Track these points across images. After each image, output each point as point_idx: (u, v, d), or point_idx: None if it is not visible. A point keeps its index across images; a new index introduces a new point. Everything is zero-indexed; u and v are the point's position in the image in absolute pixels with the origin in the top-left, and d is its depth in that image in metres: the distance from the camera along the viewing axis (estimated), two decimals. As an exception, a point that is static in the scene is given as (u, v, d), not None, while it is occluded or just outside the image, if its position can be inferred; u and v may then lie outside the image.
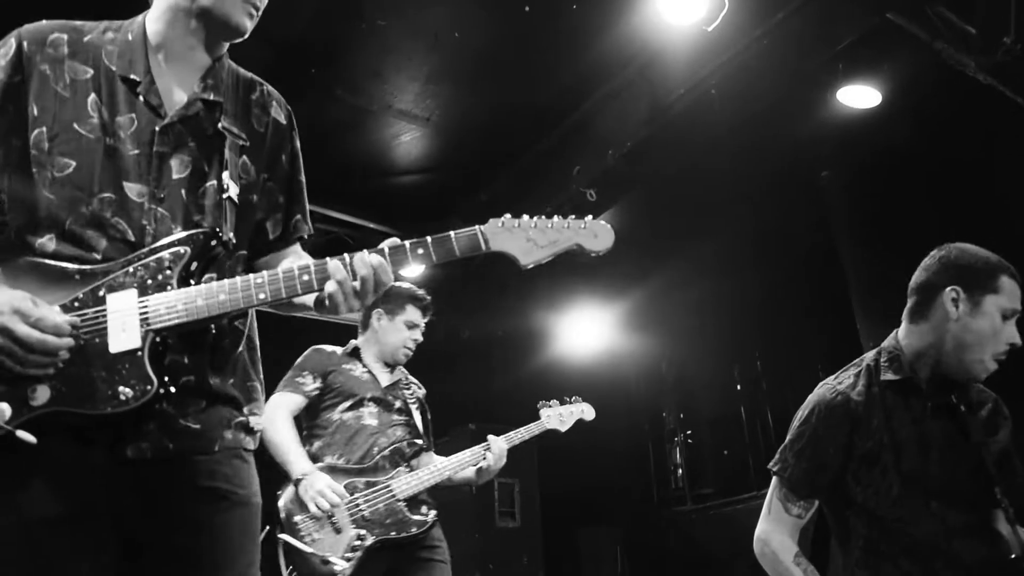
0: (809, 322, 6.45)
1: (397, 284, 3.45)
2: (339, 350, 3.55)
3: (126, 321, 1.47)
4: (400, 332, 3.53)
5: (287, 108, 1.87)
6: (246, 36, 1.73)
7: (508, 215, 1.71)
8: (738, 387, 7.07)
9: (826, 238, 6.08)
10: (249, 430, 1.67)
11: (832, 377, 2.31)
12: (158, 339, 1.50)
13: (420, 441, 3.44)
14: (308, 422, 3.40)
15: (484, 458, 3.41)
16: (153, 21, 1.71)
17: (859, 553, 2.11)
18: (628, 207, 6.03)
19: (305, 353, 3.52)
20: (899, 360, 2.24)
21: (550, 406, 3.81)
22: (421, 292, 3.63)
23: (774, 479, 2.24)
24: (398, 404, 3.46)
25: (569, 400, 3.87)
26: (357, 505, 3.12)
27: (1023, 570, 1.99)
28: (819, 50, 4.25)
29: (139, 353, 1.46)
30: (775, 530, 2.16)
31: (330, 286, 1.54)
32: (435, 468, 3.32)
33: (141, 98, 1.64)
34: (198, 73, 1.71)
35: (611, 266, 7.14)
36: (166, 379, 1.47)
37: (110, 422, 1.45)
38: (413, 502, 3.22)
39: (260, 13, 1.73)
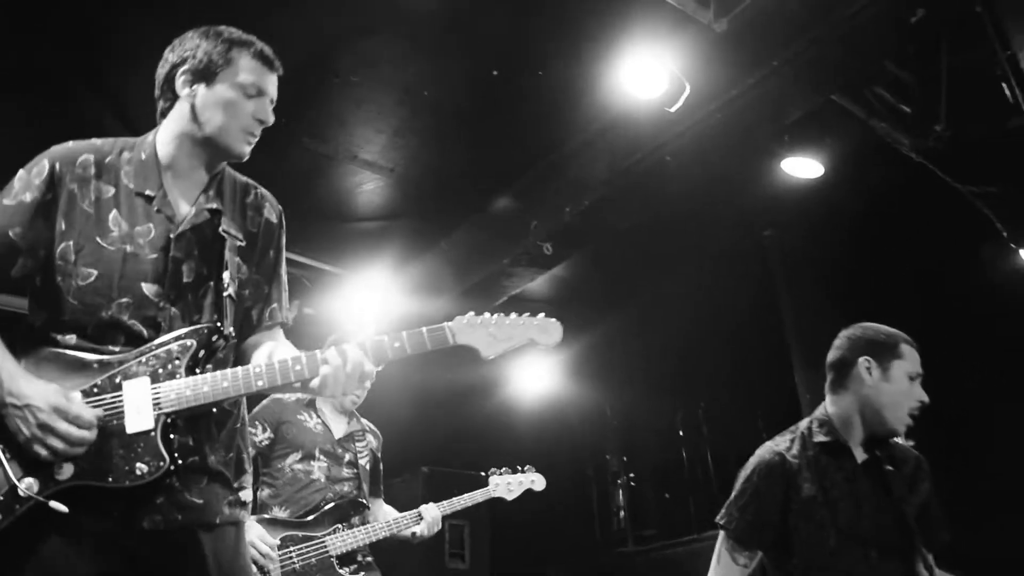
0: (750, 373, 6.75)
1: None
2: (296, 399, 3.61)
3: (140, 405, 1.68)
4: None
5: (278, 208, 2.14)
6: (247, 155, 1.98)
7: (472, 313, 1.97)
8: (680, 433, 7.34)
9: (768, 294, 6.41)
10: (243, 504, 1.90)
11: (771, 440, 2.55)
12: (168, 421, 1.72)
13: (363, 500, 3.54)
14: (262, 468, 3.49)
15: (417, 524, 3.55)
16: (163, 144, 1.95)
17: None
18: (580, 259, 6.29)
19: (263, 403, 3.60)
20: (829, 424, 2.51)
21: (500, 474, 3.94)
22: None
23: (721, 532, 2.45)
24: (348, 457, 3.56)
25: (521, 469, 4.00)
26: (291, 558, 3.23)
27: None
28: (767, 125, 4.56)
29: (152, 433, 1.68)
30: None
31: (325, 371, 1.77)
32: (370, 528, 3.42)
33: (156, 209, 1.88)
34: (202, 185, 1.98)
35: (560, 314, 7.34)
36: (176, 456, 1.68)
37: (124, 495, 1.65)
38: (346, 558, 3.33)
39: (257, 138, 1.97)
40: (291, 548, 3.25)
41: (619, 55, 4.28)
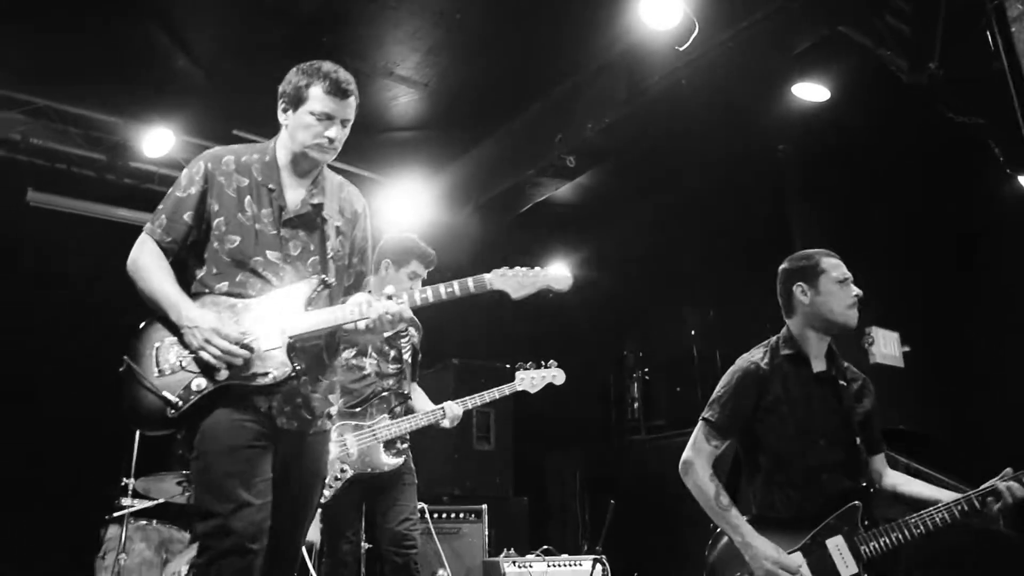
0: (759, 279, 7.16)
1: (408, 237, 4.08)
2: None
3: (271, 329, 2.42)
4: (403, 283, 3.92)
5: (363, 201, 2.82)
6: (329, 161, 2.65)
7: (505, 267, 2.61)
8: (692, 332, 7.85)
9: (780, 206, 6.78)
10: (330, 416, 2.63)
11: (749, 352, 3.07)
12: (291, 342, 2.44)
13: (406, 391, 3.99)
14: None
15: (442, 420, 3.95)
16: (280, 148, 2.66)
17: (760, 481, 2.91)
18: (602, 167, 6.67)
19: None
20: (792, 340, 3.02)
21: (527, 369, 4.26)
22: (426, 248, 4.04)
23: (701, 422, 2.99)
24: (394, 353, 3.96)
25: (545, 364, 4.29)
26: (344, 443, 3.71)
27: (867, 494, 2.79)
28: (777, 54, 4.87)
29: (280, 349, 2.42)
30: (697, 456, 2.94)
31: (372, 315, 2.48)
32: (411, 419, 3.87)
33: (274, 200, 2.60)
34: (308, 181, 2.66)
35: (581, 218, 7.81)
36: (296, 366, 2.41)
37: (264, 394, 2.40)
38: (389, 444, 3.79)
39: (340, 143, 2.60)
40: (346, 436, 3.72)
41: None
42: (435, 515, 5.41)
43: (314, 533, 4.31)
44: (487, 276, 2.60)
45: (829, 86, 5.25)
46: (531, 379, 4.22)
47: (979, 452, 6.26)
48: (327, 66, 2.58)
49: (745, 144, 6.41)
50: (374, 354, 3.90)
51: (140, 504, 4.94)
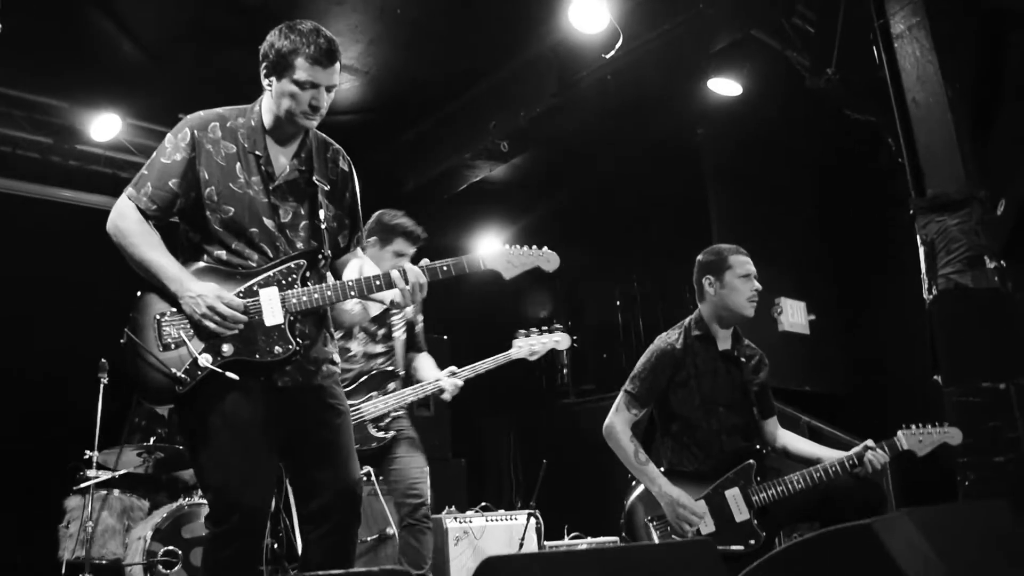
0: (680, 253, 7.69)
1: (394, 214, 3.99)
2: None
3: (273, 306, 2.46)
4: (387, 261, 3.82)
5: (347, 159, 2.77)
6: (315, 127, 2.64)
7: (499, 245, 2.71)
8: (618, 303, 8.39)
9: (699, 186, 7.31)
10: (335, 362, 2.68)
11: (665, 332, 3.55)
12: (292, 317, 2.48)
13: (395, 369, 3.95)
14: None
15: (442, 392, 3.89)
16: (266, 112, 2.60)
17: (671, 443, 3.44)
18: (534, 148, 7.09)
19: None
20: (702, 323, 3.52)
21: (526, 335, 4.02)
22: (412, 227, 3.95)
23: (623, 393, 3.47)
24: (383, 332, 3.92)
25: (547, 329, 4.09)
26: None
27: (762, 454, 3.32)
28: (695, 53, 5.34)
29: (283, 326, 2.45)
30: (619, 421, 3.42)
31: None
32: (399, 395, 3.83)
33: (262, 166, 2.57)
34: (295, 146, 2.62)
35: (514, 194, 8.22)
36: (299, 341, 2.48)
37: (266, 366, 2.45)
38: (377, 420, 3.77)
39: (325, 109, 2.55)
40: None
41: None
42: (379, 477, 5.76)
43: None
44: (481, 255, 2.62)
45: (742, 82, 5.74)
46: (530, 346, 3.99)
47: (879, 411, 6.98)
48: (310, 31, 2.48)
49: (667, 130, 6.91)
50: (360, 334, 3.87)
51: (104, 475, 5.18)
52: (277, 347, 2.45)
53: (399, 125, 6.99)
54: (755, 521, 3.20)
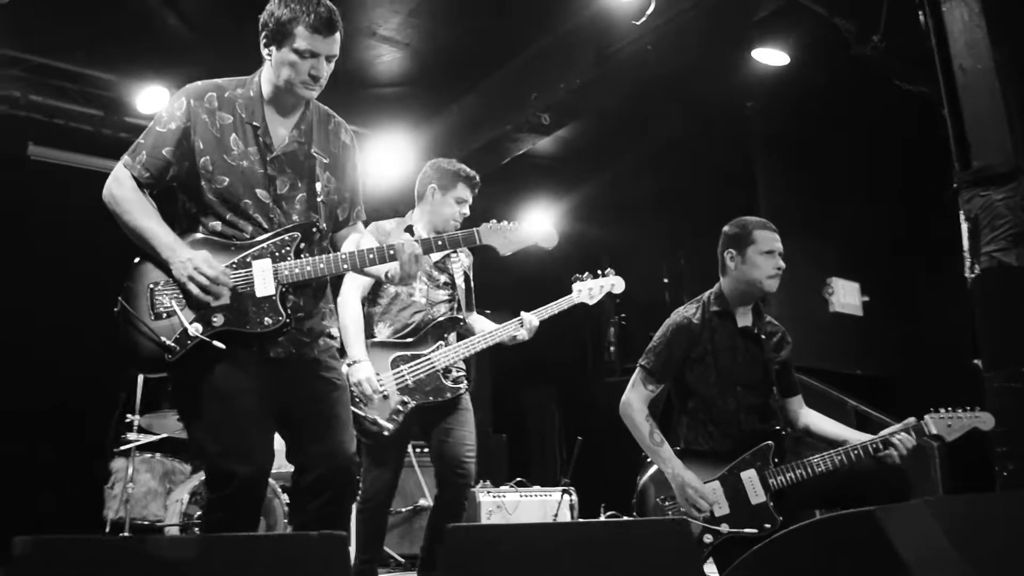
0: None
1: (452, 161, 3.91)
2: (396, 222, 3.76)
3: (265, 278, 2.46)
4: (451, 207, 3.77)
5: (350, 131, 2.76)
6: (315, 97, 2.61)
7: (494, 220, 2.67)
8: (665, 280, 8.25)
9: (746, 159, 7.13)
10: (332, 336, 2.69)
11: (683, 307, 3.44)
12: (284, 289, 2.48)
13: (460, 315, 3.81)
14: (372, 291, 3.77)
15: (518, 331, 3.74)
16: (265, 83, 2.58)
17: (687, 420, 3.34)
18: (576, 122, 6.98)
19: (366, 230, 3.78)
20: (722, 298, 3.40)
21: (582, 280, 3.95)
22: (469, 171, 3.86)
23: (639, 367, 3.39)
24: (444, 279, 3.80)
25: (602, 273, 4.01)
26: (403, 376, 3.56)
27: (781, 435, 3.21)
28: (737, 22, 5.15)
29: (274, 298, 2.45)
30: (635, 398, 3.35)
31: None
32: (471, 341, 3.69)
33: (259, 137, 2.55)
34: (295, 117, 2.60)
35: (561, 168, 8.14)
36: (289, 313, 2.48)
37: (258, 337, 2.46)
38: (447, 371, 3.63)
39: (325, 79, 2.53)
40: (402, 367, 3.57)
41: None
42: (416, 450, 5.79)
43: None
44: (477, 229, 2.63)
45: (789, 51, 5.53)
46: (588, 289, 3.95)
47: (933, 397, 6.70)
48: (299, 5, 2.44)
49: (714, 102, 6.72)
50: (422, 281, 3.77)
51: (145, 439, 5.34)
52: (267, 318, 2.45)
53: (441, 98, 6.95)
54: (771, 504, 3.10)
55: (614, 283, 4.01)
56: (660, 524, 1.90)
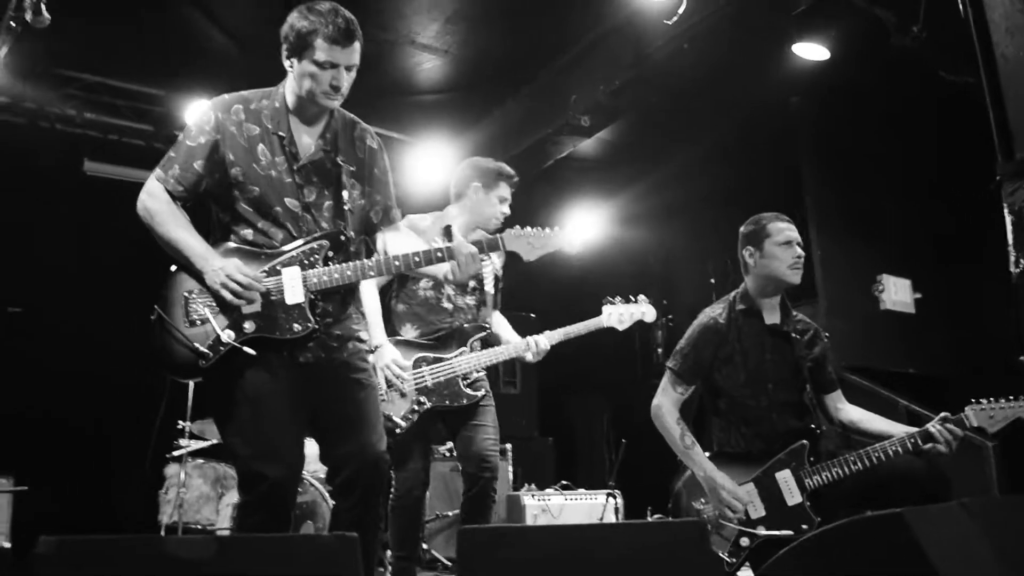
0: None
1: (488, 161, 3.94)
2: (431, 221, 3.85)
3: (294, 285, 2.54)
4: (493, 206, 3.83)
5: (375, 137, 2.82)
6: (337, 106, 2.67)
7: (518, 227, 2.75)
8: (711, 280, 8.15)
9: (792, 157, 6.99)
10: (362, 339, 2.76)
11: (710, 307, 3.42)
12: (312, 296, 2.56)
13: (486, 324, 3.86)
14: (399, 287, 3.85)
15: (525, 354, 3.78)
16: (289, 93, 2.66)
17: (720, 422, 3.32)
18: (622, 122, 6.95)
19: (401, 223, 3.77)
20: (747, 296, 3.37)
21: (613, 304, 3.93)
22: (510, 169, 3.90)
23: (667, 370, 3.37)
24: (473, 284, 3.82)
25: (633, 299, 3.97)
26: (423, 376, 3.61)
27: (816, 434, 3.16)
28: (775, 16, 5.09)
29: (303, 305, 2.54)
30: (666, 402, 3.34)
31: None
32: (491, 353, 3.73)
33: (286, 147, 2.63)
34: (320, 127, 2.68)
35: (605, 172, 8.12)
36: (318, 319, 2.56)
37: (287, 343, 2.54)
38: (467, 376, 3.68)
39: (347, 89, 2.60)
40: (423, 368, 3.62)
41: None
42: (449, 450, 5.81)
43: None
44: (501, 236, 2.72)
45: (830, 45, 5.43)
46: (619, 315, 3.92)
47: (989, 396, 6.49)
48: (328, 10, 2.52)
49: (758, 100, 6.62)
50: (450, 286, 3.79)
51: (196, 444, 5.48)
52: (296, 325, 2.53)
53: (482, 103, 7.00)
54: (808, 504, 3.05)
55: (645, 311, 3.97)
56: (675, 526, 1.89)
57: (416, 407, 3.57)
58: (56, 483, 5.65)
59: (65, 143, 6.47)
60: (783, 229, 3.34)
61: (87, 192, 6.56)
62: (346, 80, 2.58)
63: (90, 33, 5.89)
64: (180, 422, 5.48)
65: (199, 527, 5.45)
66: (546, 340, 3.79)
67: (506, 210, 3.85)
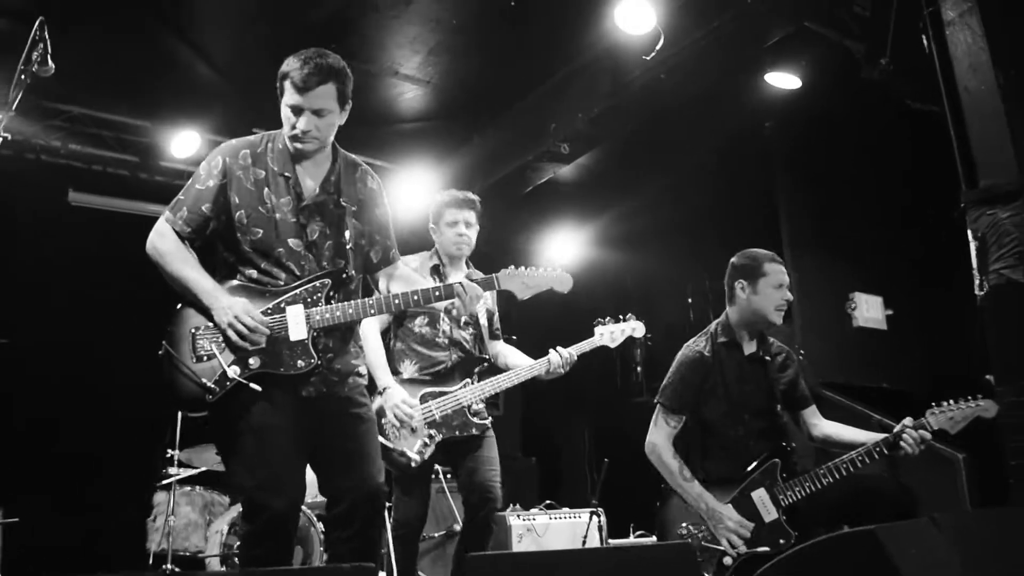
0: (749, 247, 7.60)
1: (438, 194, 4.11)
2: (421, 262, 3.98)
3: (298, 322, 2.64)
4: (448, 231, 3.97)
5: (376, 178, 2.95)
6: (319, 149, 2.76)
7: (512, 267, 2.87)
8: (689, 300, 8.32)
9: (767, 181, 7.18)
10: (361, 374, 2.86)
11: (692, 340, 3.55)
12: (315, 333, 2.66)
13: (484, 355, 3.98)
14: (396, 328, 3.97)
15: (539, 372, 3.84)
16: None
17: (700, 451, 3.45)
18: (600, 149, 7.12)
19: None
20: (728, 328, 3.50)
21: (604, 323, 4.08)
22: (454, 194, 4.05)
23: (658, 406, 3.50)
24: (465, 319, 3.95)
25: (623, 318, 4.14)
26: (431, 411, 3.71)
27: (787, 451, 3.30)
28: (747, 48, 5.27)
29: (306, 341, 2.63)
30: (660, 438, 3.47)
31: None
32: (495, 380, 3.84)
33: (292, 187, 2.74)
34: (323, 169, 2.80)
35: (583, 196, 8.27)
36: (320, 355, 2.66)
37: (291, 378, 2.63)
38: (472, 407, 3.79)
39: (319, 132, 2.67)
40: (431, 403, 3.73)
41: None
42: (447, 475, 5.91)
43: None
44: (496, 276, 2.88)
45: (801, 75, 5.63)
46: (610, 333, 4.07)
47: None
48: (305, 56, 2.61)
49: (733, 127, 6.82)
50: (446, 320, 3.91)
51: (185, 472, 5.52)
52: (300, 361, 2.62)
53: (463, 131, 7.14)
54: (784, 519, 3.18)
55: (635, 327, 4.13)
56: (664, 549, 2.00)
57: (428, 440, 3.67)
58: (45, 513, 5.66)
59: (50, 174, 6.52)
60: (778, 272, 3.48)
61: (72, 223, 6.60)
62: (314, 123, 2.65)
63: (73, 65, 5.95)
64: (168, 450, 5.52)
65: (187, 554, 5.48)
66: (557, 355, 3.85)
67: (461, 230, 3.95)
